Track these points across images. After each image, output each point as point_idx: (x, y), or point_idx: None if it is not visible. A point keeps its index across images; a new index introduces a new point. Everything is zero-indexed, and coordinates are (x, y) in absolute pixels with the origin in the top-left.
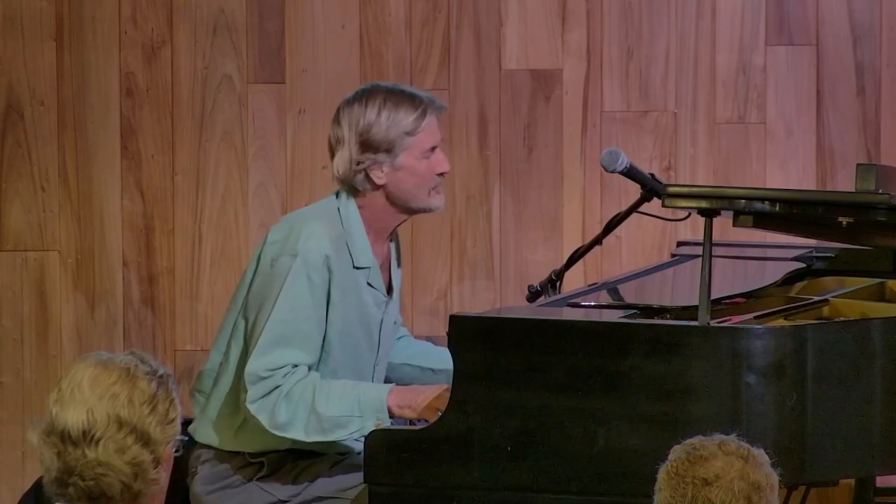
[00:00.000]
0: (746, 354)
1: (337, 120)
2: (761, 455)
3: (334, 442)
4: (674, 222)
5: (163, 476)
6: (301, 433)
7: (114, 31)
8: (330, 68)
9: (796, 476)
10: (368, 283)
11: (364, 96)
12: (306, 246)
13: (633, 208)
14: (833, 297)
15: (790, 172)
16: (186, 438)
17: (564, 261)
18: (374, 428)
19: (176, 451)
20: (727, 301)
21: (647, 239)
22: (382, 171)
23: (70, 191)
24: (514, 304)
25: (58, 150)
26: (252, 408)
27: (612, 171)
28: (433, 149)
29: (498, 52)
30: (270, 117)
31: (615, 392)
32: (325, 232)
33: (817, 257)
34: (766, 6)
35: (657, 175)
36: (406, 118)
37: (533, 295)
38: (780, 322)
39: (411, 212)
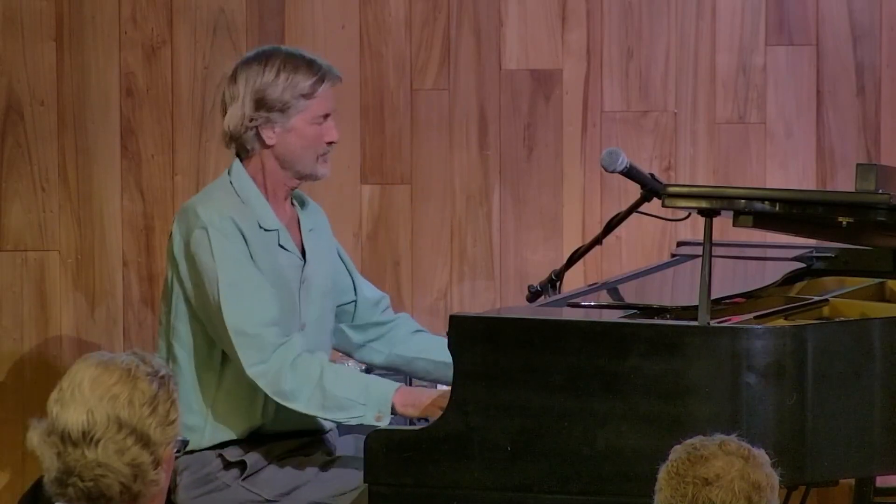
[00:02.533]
0: (746, 354)
1: (234, 77)
2: (762, 455)
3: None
4: (674, 222)
5: (162, 477)
6: (303, 404)
7: (114, 31)
8: None
9: (796, 476)
10: (280, 246)
11: (263, 57)
12: (209, 216)
13: (633, 208)
14: (833, 297)
15: (790, 172)
16: (187, 439)
17: (564, 261)
18: (374, 421)
19: (176, 452)
20: (727, 301)
21: (647, 239)
22: (273, 132)
23: (70, 191)
24: (514, 304)
25: (58, 150)
26: (251, 372)
27: (612, 171)
28: (326, 116)
29: (498, 52)
30: None
31: (615, 392)
32: (221, 200)
33: (817, 257)
34: (766, 6)
35: (657, 175)
36: (304, 81)
37: (533, 295)
38: (780, 322)
39: (299, 176)
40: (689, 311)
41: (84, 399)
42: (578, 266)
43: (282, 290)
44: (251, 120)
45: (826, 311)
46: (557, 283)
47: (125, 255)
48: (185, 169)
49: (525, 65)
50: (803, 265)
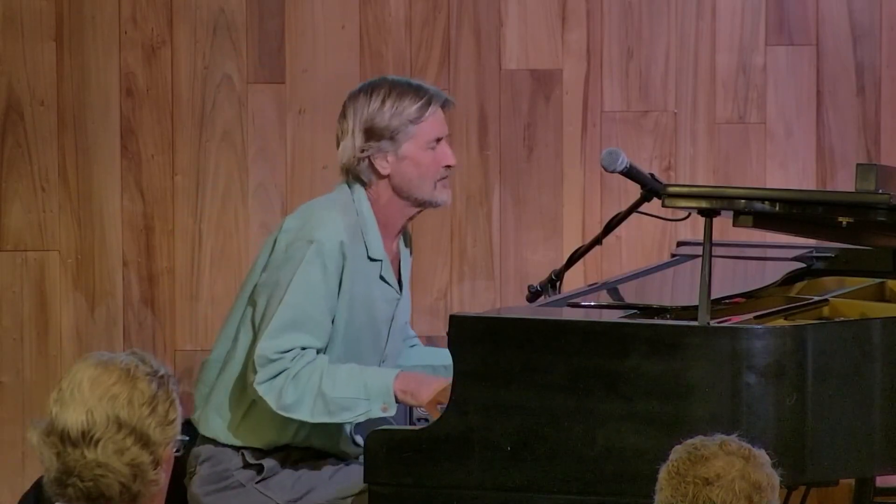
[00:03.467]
0: (746, 354)
1: (343, 112)
2: (762, 455)
3: (331, 436)
4: (674, 222)
5: (162, 477)
6: (307, 414)
7: (114, 31)
8: (330, 68)
9: (796, 476)
10: (381, 277)
11: (370, 87)
12: (322, 233)
13: (633, 208)
14: (833, 297)
15: (790, 172)
16: (187, 439)
17: (564, 261)
18: (381, 413)
19: (176, 452)
20: (727, 301)
21: (647, 239)
22: (387, 161)
23: (70, 191)
24: (514, 304)
25: (58, 150)
26: (259, 388)
27: (612, 171)
28: (438, 140)
29: (498, 52)
30: (270, 117)
31: (615, 392)
32: (341, 219)
33: (817, 257)
34: (766, 6)
35: (657, 175)
36: (410, 107)
37: (533, 295)
38: (780, 322)
39: (418, 204)
40: (689, 311)
41: (84, 399)
42: (578, 266)
43: (367, 322)
44: (362, 150)
45: (826, 311)
46: (557, 283)
47: (125, 255)
48: (185, 169)
49: (525, 65)
50: (803, 265)
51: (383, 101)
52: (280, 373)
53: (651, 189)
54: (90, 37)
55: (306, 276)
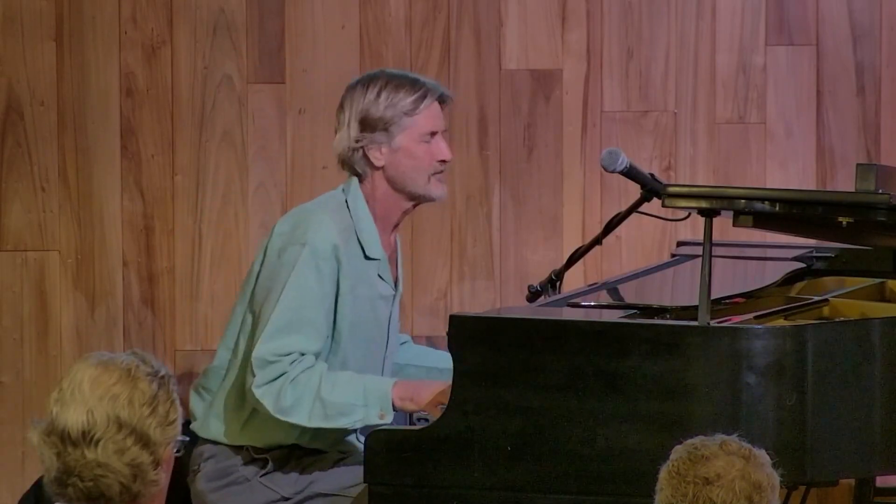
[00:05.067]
0: (746, 354)
1: (341, 104)
2: (763, 455)
3: (336, 437)
4: (674, 222)
5: (162, 477)
6: (304, 418)
7: (114, 31)
8: (330, 68)
9: (796, 476)
10: (379, 276)
11: (367, 79)
12: (315, 235)
13: (633, 208)
14: (833, 297)
15: (790, 172)
16: (187, 439)
17: (564, 261)
18: (378, 420)
19: (176, 452)
20: (727, 301)
21: (647, 239)
22: (381, 152)
23: (70, 191)
24: (514, 304)
25: (58, 150)
26: (257, 392)
27: (612, 171)
28: (433, 134)
29: (498, 52)
30: (270, 117)
31: (615, 392)
32: (333, 222)
33: (817, 257)
34: (766, 6)
35: (657, 175)
36: (405, 99)
37: (533, 295)
38: (780, 322)
39: (413, 198)
40: (689, 311)
41: (84, 399)
42: (578, 266)
43: (370, 321)
44: (356, 141)
45: (826, 311)
46: (557, 283)
47: (125, 255)
48: (185, 169)
49: (525, 65)
50: (803, 265)
51: (379, 93)
52: (278, 376)
53: (651, 189)
54: (90, 37)
55: (300, 278)
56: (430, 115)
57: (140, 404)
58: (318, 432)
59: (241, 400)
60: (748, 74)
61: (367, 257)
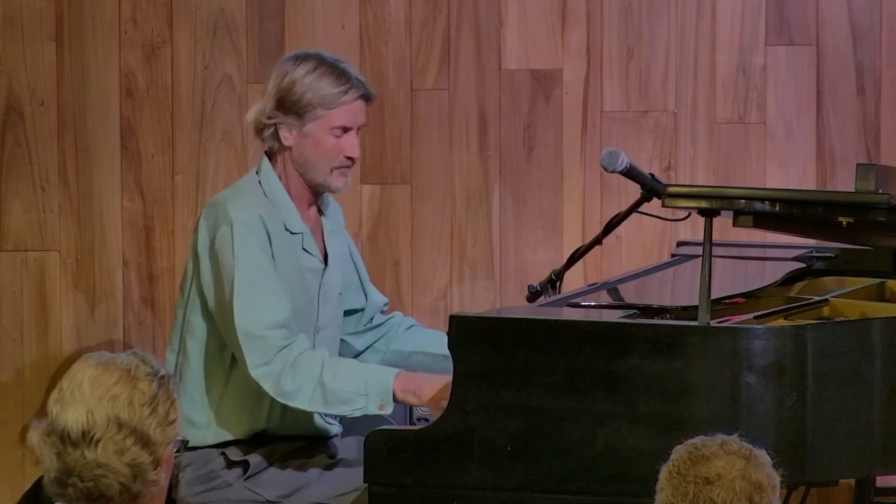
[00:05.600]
0: (746, 354)
1: (270, 74)
2: (763, 455)
3: (307, 422)
4: (674, 222)
5: (162, 477)
6: (305, 402)
7: (114, 31)
8: None
9: (796, 476)
10: (304, 249)
11: (299, 58)
12: (236, 213)
13: (633, 208)
14: (833, 297)
15: (790, 172)
16: (187, 440)
17: (564, 261)
18: (378, 410)
19: (176, 452)
20: (727, 301)
21: (647, 239)
22: (290, 133)
23: (70, 191)
24: (514, 304)
25: (58, 150)
26: (255, 373)
27: (612, 171)
28: (346, 129)
29: (498, 52)
30: None
31: (615, 392)
32: (250, 200)
33: (817, 257)
34: (766, 6)
35: (657, 175)
36: (326, 89)
37: (533, 295)
38: (780, 322)
39: (313, 184)
40: (689, 311)
41: (84, 399)
42: (578, 266)
43: (300, 293)
44: (269, 117)
45: (826, 311)
46: (557, 283)
47: (125, 255)
48: (185, 169)
49: (525, 65)
50: (803, 265)
51: (305, 75)
52: (274, 356)
53: (651, 189)
54: (90, 37)
55: (245, 250)
56: (347, 110)
57: (140, 404)
58: (286, 416)
59: (203, 397)
60: (748, 74)
61: (289, 231)
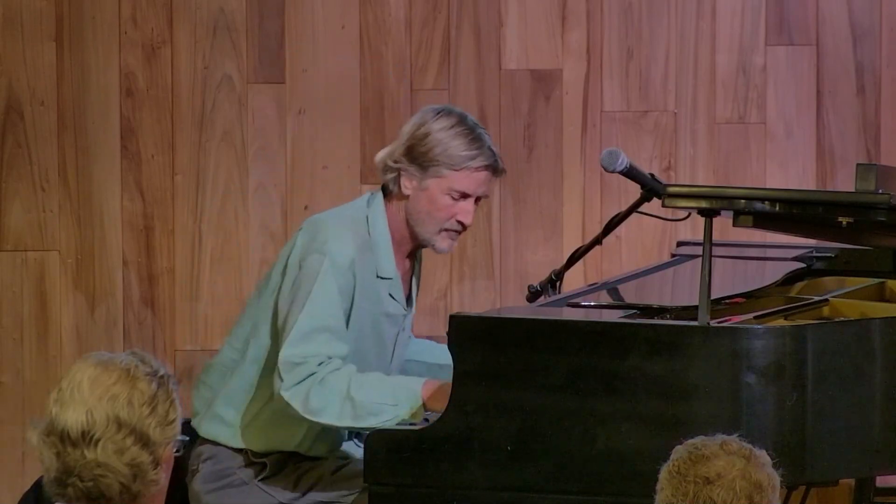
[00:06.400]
0: (746, 354)
1: (412, 118)
2: (763, 455)
3: (335, 444)
4: (674, 222)
5: (162, 477)
6: (334, 418)
7: (114, 31)
8: (330, 68)
9: (796, 476)
10: (390, 295)
11: (445, 112)
12: (334, 247)
13: (633, 208)
14: (833, 297)
15: (790, 172)
16: (187, 439)
17: (564, 261)
18: (410, 419)
19: (176, 452)
20: (727, 301)
21: (647, 239)
22: (411, 183)
23: (70, 191)
24: (514, 304)
25: (58, 150)
26: (286, 394)
27: (612, 171)
28: (465, 196)
29: (498, 52)
30: (270, 117)
31: (615, 392)
32: (351, 236)
33: (817, 257)
34: (766, 6)
35: (657, 175)
36: (456, 150)
37: (533, 295)
38: (780, 322)
39: (418, 238)
40: (689, 311)
41: (83, 399)
42: (578, 266)
43: (373, 339)
44: (395, 161)
45: (826, 311)
46: (557, 283)
47: (125, 255)
48: (185, 169)
49: (525, 65)
50: (803, 265)
51: (439, 130)
52: (306, 377)
53: (651, 189)
54: (90, 37)
55: (324, 285)
56: (470, 178)
57: (140, 404)
58: (317, 441)
59: (246, 403)
60: (748, 74)
61: (379, 276)
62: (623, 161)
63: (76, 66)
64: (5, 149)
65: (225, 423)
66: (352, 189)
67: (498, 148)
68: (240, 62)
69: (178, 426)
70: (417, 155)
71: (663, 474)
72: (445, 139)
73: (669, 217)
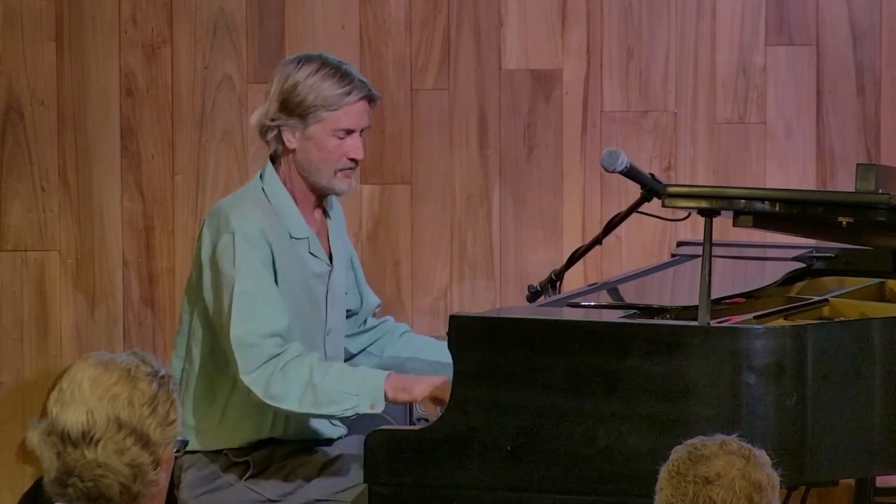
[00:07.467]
0: (746, 354)
1: (272, 77)
2: (763, 455)
3: (310, 428)
4: (674, 222)
5: (162, 477)
6: (295, 404)
7: (114, 31)
8: None
9: (796, 476)
10: (311, 253)
11: (303, 59)
12: (238, 223)
13: (633, 208)
14: (833, 297)
15: (790, 172)
16: (187, 440)
17: (564, 261)
18: (369, 410)
19: (176, 452)
20: (727, 301)
21: (647, 239)
22: (293, 136)
23: (70, 191)
24: (514, 304)
25: (58, 150)
26: (246, 379)
27: (612, 171)
28: (350, 132)
29: (498, 52)
30: None
31: (615, 392)
32: (251, 208)
33: (817, 257)
34: (766, 6)
35: (657, 175)
36: (329, 91)
37: (533, 295)
38: (780, 322)
39: (317, 187)
40: (689, 311)
41: (84, 399)
42: (578, 266)
43: (306, 300)
44: (272, 119)
45: (826, 311)
46: (557, 283)
47: (125, 255)
48: (185, 169)
49: (525, 65)
50: (803, 265)
51: (307, 77)
52: (266, 361)
53: (651, 189)
54: (90, 37)
55: (244, 260)
56: (351, 112)
57: (140, 404)
58: (290, 424)
59: (208, 404)
60: (748, 74)
61: (293, 237)
62: (623, 161)
63: (76, 66)
64: (5, 149)
65: (196, 431)
66: (352, 189)
67: (367, 78)
68: (240, 62)
69: (178, 426)
70: (293, 106)
71: (663, 474)
72: (315, 83)
73: (669, 217)
